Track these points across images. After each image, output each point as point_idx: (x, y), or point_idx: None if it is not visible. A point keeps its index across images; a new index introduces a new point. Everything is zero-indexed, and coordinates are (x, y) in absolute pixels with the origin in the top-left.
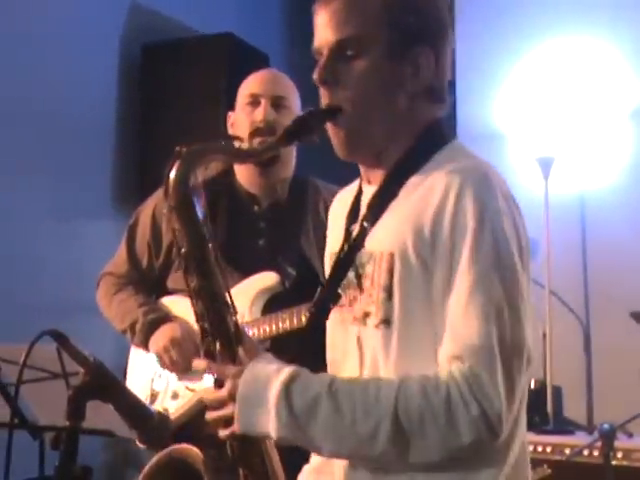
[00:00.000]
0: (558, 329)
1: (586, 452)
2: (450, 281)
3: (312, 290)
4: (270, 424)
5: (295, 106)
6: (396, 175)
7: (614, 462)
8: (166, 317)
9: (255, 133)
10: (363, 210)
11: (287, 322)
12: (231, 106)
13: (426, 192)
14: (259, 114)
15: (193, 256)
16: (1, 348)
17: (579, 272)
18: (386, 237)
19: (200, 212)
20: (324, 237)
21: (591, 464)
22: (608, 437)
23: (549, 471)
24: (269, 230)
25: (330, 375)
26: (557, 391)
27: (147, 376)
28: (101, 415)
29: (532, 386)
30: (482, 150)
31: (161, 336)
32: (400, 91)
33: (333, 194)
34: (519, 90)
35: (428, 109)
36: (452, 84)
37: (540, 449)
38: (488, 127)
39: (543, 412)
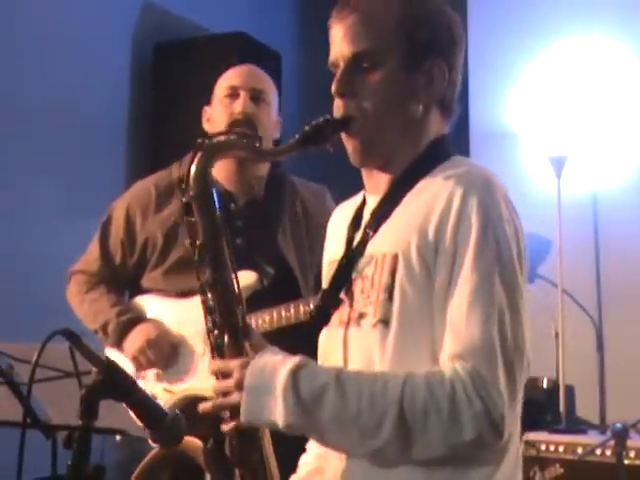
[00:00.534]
0: (570, 328)
1: (599, 451)
2: (452, 283)
3: (290, 288)
4: (277, 411)
5: (273, 102)
6: (402, 183)
7: (627, 461)
8: (139, 318)
9: (233, 124)
10: (366, 218)
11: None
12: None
13: (430, 197)
14: (238, 106)
15: (208, 248)
16: (14, 347)
17: (592, 271)
18: (389, 240)
19: (218, 205)
20: (302, 235)
21: (604, 463)
22: (621, 436)
23: (561, 470)
24: (246, 229)
25: (337, 367)
26: (570, 390)
27: None
28: (114, 414)
29: (545, 385)
30: (495, 149)
31: (136, 337)
32: (414, 102)
33: (310, 191)
34: (532, 89)
35: (438, 122)
36: (464, 83)
37: (552, 448)
38: (501, 126)
39: (555, 411)
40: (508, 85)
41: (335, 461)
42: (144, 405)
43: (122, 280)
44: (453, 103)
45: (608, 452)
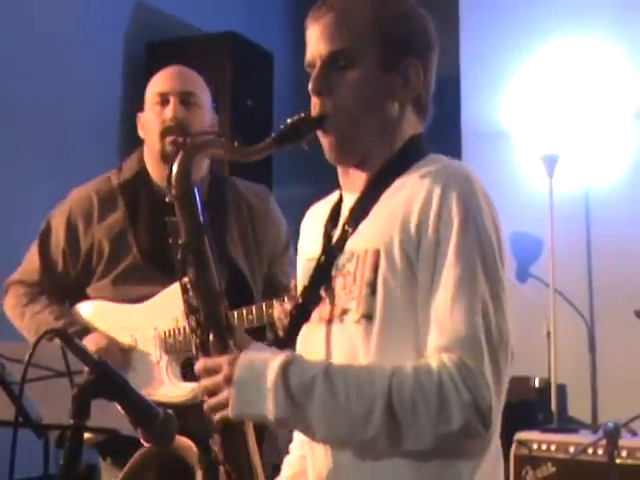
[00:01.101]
0: (562, 327)
1: (590, 450)
2: (435, 277)
3: (243, 293)
4: (268, 405)
5: (205, 102)
6: (379, 180)
7: (618, 460)
8: (87, 329)
9: (166, 132)
10: (344, 215)
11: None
12: (235, 104)
13: (410, 193)
14: (168, 112)
15: (191, 247)
16: (6, 346)
17: (584, 270)
18: (370, 236)
19: (200, 205)
20: (249, 238)
21: (595, 462)
22: (612, 435)
23: (553, 469)
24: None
25: (326, 361)
26: (561, 389)
27: None
28: (106, 413)
29: (537, 385)
30: (487, 148)
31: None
32: (390, 100)
33: (254, 193)
34: (524, 89)
35: (414, 120)
36: (456, 82)
37: (544, 447)
38: (494, 125)
39: (547, 410)
40: (500, 85)
41: (322, 457)
42: (136, 404)
43: (64, 290)
44: (428, 103)
45: (600, 451)
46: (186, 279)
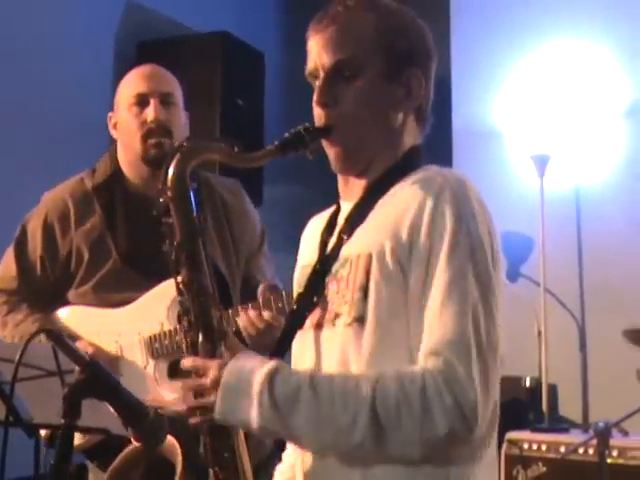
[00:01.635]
0: (553, 327)
1: (581, 450)
2: (426, 281)
3: (220, 292)
4: (252, 413)
5: (181, 101)
6: (377, 187)
7: (609, 460)
8: (72, 336)
9: (148, 135)
10: (341, 223)
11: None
12: (226, 104)
13: (404, 198)
14: (150, 114)
15: (185, 248)
16: None
17: (574, 270)
18: (363, 241)
19: (195, 207)
20: (226, 236)
21: (586, 462)
22: (603, 435)
23: (544, 469)
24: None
25: (311, 370)
26: (552, 389)
27: None
28: (96, 413)
29: (527, 384)
30: (479, 147)
31: None
32: (394, 110)
33: (226, 188)
34: (515, 89)
35: (414, 130)
36: (448, 82)
37: (535, 447)
38: (485, 125)
39: (538, 410)
40: (492, 85)
41: (311, 463)
42: (126, 404)
43: (43, 296)
44: (428, 112)
45: (591, 451)
46: (179, 279)
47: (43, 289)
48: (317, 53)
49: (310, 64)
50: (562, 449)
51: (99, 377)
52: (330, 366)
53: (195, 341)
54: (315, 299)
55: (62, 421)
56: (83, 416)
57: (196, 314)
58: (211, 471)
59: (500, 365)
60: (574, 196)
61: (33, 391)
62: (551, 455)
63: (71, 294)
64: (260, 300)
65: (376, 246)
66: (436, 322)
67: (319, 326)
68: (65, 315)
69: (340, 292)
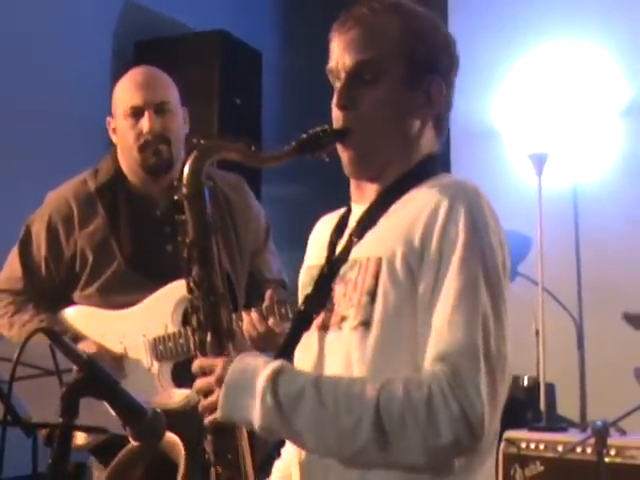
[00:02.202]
0: (551, 326)
1: (579, 449)
2: (436, 289)
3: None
4: (254, 412)
5: (177, 104)
6: (391, 192)
7: (607, 459)
8: (78, 336)
9: (145, 146)
10: (351, 225)
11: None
12: (224, 102)
13: (418, 205)
14: (145, 126)
15: (198, 246)
16: None
17: (572, 269)
18: (374, 245)
19: (209, 205)
20: (230, 233)
21: (584, 461)
22: (601, 434)
23: (542, 468)
24: (175, 234)
25: (316, 372)
26: (550, 388)
27: None
28: (94, 412)
29: (525, 383)
30: (477, 146)
31: None
32: (412, 117)
33: (228, 184)
34: (513, 88)
35: (432, 138)
36: None
37: (533, 446)
38: (482, 124)
39: (536, 409)
40: (490, 85)
41: (307, 460)
42: (125, 403)
43: (49, 297)
44: (447, 121)
45: (589, 450)
46: (190, 277)
47: (49, 289)
48: (339, 54)
49: (331, 63)
50: (560, 448)
51: (97, 376)
52: (333, 368)
53: (204, 340)
54: (322, 301)
55: (60, 420)
56: (81, 415)
57: (206, 313)
58: (213, 470)
59: (508, 378)
60: (572, 194)
61: (31, 390)
62: (549, 454)
63: (76, 296)
64: (265, 304)
65: (387, 251)
66: (445, 328)
67: (325, 328)
68: (71, 315)
69: (347, 295)
